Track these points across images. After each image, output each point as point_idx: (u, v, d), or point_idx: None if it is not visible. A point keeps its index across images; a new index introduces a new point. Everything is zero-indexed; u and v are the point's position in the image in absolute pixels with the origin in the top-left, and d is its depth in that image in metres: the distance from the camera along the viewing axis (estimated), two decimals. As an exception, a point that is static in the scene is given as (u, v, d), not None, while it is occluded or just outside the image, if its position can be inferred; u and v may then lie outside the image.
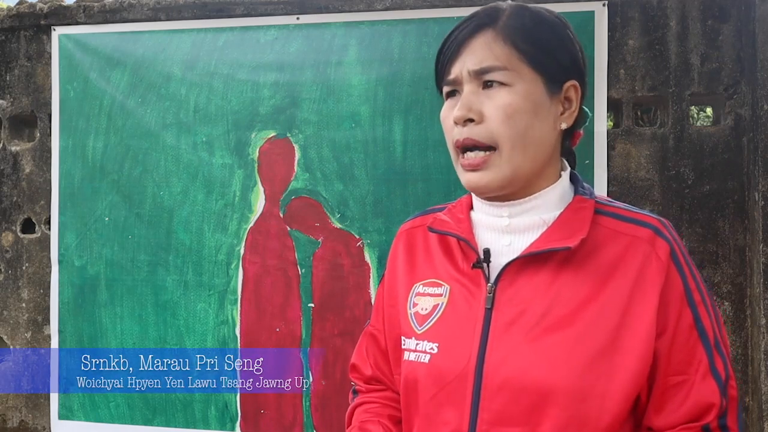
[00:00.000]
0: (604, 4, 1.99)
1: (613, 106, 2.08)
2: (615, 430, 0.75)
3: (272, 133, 2.15)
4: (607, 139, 2.00)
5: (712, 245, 1.98)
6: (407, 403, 0.85)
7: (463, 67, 0.79)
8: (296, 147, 2.13)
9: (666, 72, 2.02)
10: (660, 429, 0.77)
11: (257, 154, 2.16)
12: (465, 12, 2.17)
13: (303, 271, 2.12)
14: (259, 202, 2.15)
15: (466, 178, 0.81)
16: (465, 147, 0.80)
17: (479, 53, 0.78)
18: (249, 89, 2.16)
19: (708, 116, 3.95)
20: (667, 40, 2.02)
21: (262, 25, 2.17)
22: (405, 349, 0.85)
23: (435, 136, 2.03)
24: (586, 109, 0.86)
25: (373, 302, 2.06)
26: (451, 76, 0.81)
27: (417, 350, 0.83)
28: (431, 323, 0.83)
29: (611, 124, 2.22)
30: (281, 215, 2.14)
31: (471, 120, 0.78)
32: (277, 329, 2.13)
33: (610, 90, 2.01)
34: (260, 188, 2.15)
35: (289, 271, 2.13)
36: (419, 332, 0.83)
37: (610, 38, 2.01)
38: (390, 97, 2.08)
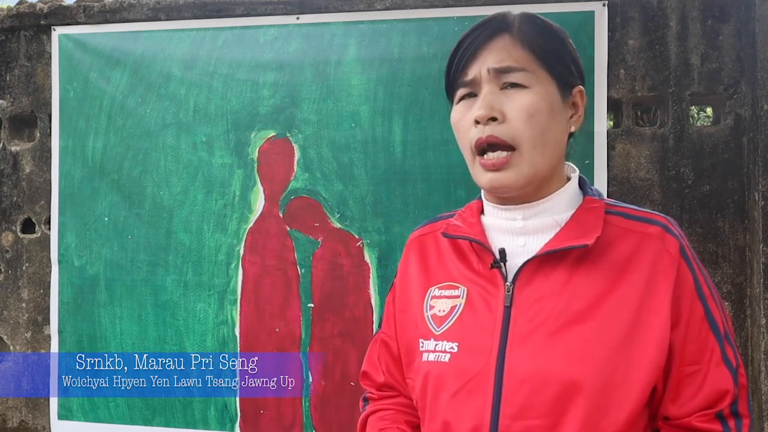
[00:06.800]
0: (604, 4, 1.99)
1: (613, 106, 2.08)
2: (634, 420, 0.77)
3: (272, 133, 2.15)
4: (607, 139, 2.00)
5: (712, 245, 1.98)
6: (426, 403, 0.85)
7: (482, 66, 0.81)
8: (296, 147, 2.13)
9: (666, 72, 2.01)
10: (676, 417, 0.80)
11: (257, 153, 2.15)
12: (465, 12, 2.17)
13: (303, 271, 2.12)
14: (258, 202, 2.15)
15: (488, 177, 0.82)
16: (487, 145, 0.80)
17: (499, 54, 0.80)
18: (248, 89, 2.16)
19: (708, 116, 3.95)
20: (667, 40, 2.01)
21: (262, 24, 2.17)
22: (423, 351, 0.86)
23: (435, 135, 2.03)
24: None
25: (372, 302, 2.08)
26: (469, 77, 0.82)
27: (436, 350, 0.84)
28: (450, 324, 0.84)
29: (611, 124, 2.22)
30: (281, 215, 2.14)
31: (494, 119, 0.79)
32: (277, 329, 2.13)
33: (610, 90, 2.01)
34: (260, 188, 2.15)
35: (288, 271, 2.13)
36: (438, 333, 0.85)
37: (610, 38, 2.01)
38: (390, 97, 2.07)
